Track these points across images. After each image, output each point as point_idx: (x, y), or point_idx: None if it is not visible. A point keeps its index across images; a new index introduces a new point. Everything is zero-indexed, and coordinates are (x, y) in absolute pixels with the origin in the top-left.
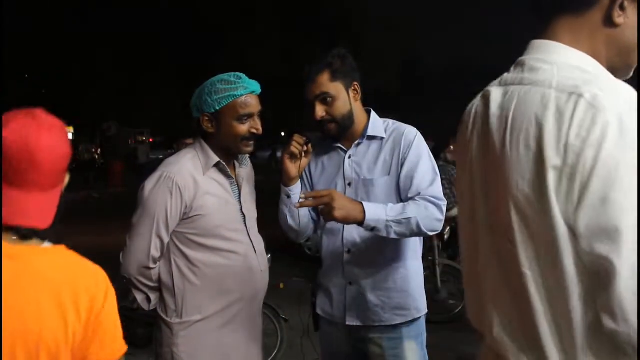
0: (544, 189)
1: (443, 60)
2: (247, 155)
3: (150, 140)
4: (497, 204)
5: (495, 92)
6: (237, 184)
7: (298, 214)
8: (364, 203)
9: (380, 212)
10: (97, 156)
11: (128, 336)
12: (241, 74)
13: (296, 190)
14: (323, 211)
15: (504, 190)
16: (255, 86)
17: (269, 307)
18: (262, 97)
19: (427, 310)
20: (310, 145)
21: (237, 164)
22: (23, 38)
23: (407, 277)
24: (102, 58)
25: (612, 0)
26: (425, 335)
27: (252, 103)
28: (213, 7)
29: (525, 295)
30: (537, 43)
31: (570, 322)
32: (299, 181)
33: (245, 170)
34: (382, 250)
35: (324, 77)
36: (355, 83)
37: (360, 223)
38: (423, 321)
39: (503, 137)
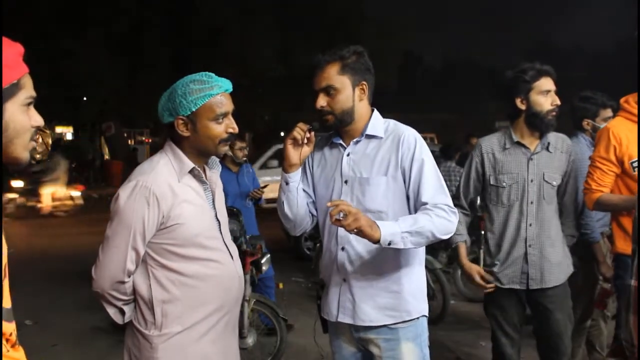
0: None
1: (440, 60)
2: (217, 159)
3: (150, 140)
4: None
5: None
6: (211, 190)
7: (297, 204)
8: (377, 222)
9: (394, 227)
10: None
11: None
12: (211, 74)
13: (295, 178)
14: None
15: None
16: (228, 85)
17: (268, 307)
18: (261, 98)
19: (423, 314)
20: (313, 133)
21: (207, 168)
22: (23, 38)
23: (400, 279)
24: (102, 58)
25: None
26: (426, 335)
27: (226, 102)
28: (213, 7)
29: None
30: None
31: None
32: (300, 169)
33: (215, 174)
34: (374, 250)
35: (333, 69)
36: (364, 83)
37: (377, 240)
38: (422, 322)
39: None
